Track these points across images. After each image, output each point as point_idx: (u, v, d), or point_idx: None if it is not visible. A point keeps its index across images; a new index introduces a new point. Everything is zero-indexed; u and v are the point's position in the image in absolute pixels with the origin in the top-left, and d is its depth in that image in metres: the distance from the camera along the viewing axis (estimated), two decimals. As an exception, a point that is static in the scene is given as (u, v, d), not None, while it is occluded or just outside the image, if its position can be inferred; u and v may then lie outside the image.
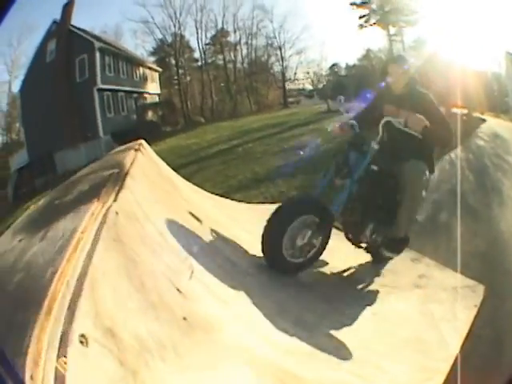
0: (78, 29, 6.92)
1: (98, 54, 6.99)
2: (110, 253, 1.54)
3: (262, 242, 2.41)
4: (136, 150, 2.96)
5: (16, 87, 7.30)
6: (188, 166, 6.70)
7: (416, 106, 2.54)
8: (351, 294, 2.64)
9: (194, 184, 5.11)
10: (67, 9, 6.44)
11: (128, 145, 3.29)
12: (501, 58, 7.47)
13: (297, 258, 2.48)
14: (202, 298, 1.77)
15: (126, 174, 2.30)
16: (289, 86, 8.83)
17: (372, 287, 2.74)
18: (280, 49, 8.45)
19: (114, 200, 1.92)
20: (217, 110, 9.00)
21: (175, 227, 2.25)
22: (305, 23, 7.94)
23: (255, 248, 2.51)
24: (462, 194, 4.02)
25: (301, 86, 8.75)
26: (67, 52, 6.85)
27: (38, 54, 7.06)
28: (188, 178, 5.63)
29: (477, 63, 7.02)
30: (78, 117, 6.97)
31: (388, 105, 2.71)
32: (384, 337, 2.12)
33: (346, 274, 2.93)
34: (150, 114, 8.36)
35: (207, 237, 2.48)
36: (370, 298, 2.56)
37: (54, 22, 6.85)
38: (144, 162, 2.84)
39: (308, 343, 1.84)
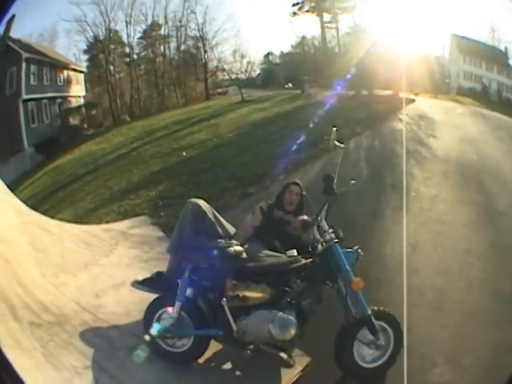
0: (14, 40, 6.64)
1: (24, 65, 6.81)
2: None
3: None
4: None
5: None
6: (84, 177, 6.30)
7: None
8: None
9: (75, 200, 5.16)
10: (9, 23, 6.26)
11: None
12: (445, 40, 7.51)
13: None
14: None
15: None
16: (223, 76, 8.88)
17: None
18: (203, 39, 8.40)
19: None
20: (144, 106, 8.77)
21: None
22: (230, 12, 7.78)
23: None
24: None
25: (234, 77, 8.76)
26: (3, 66, 6.66)
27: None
28: (75, 193, 5.63)
29: (419, 47, 6.91)
30: (5, 130, 6.82)
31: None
32: None
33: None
34: (73, 118, 8.02)
35: None
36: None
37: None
38: None
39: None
